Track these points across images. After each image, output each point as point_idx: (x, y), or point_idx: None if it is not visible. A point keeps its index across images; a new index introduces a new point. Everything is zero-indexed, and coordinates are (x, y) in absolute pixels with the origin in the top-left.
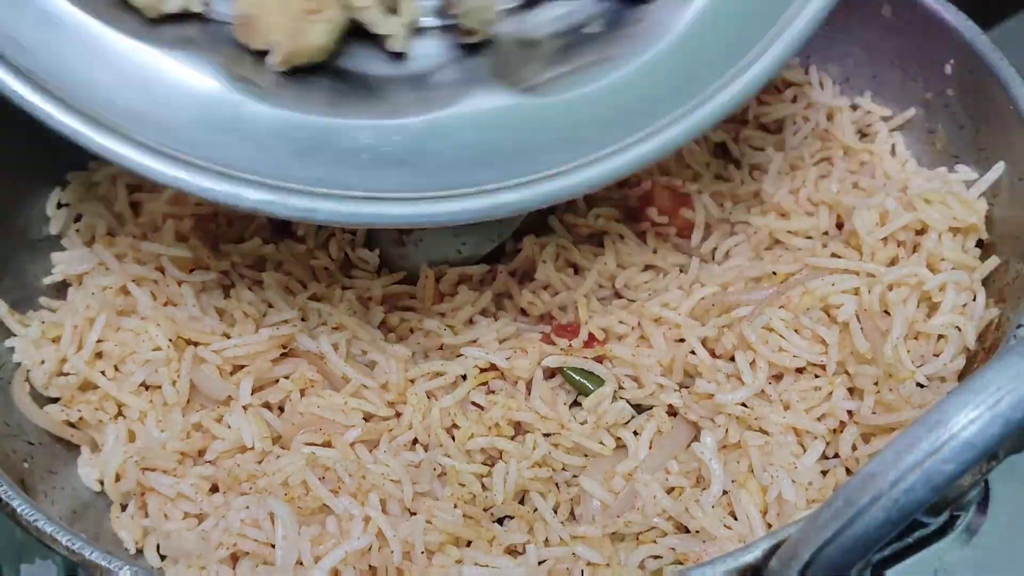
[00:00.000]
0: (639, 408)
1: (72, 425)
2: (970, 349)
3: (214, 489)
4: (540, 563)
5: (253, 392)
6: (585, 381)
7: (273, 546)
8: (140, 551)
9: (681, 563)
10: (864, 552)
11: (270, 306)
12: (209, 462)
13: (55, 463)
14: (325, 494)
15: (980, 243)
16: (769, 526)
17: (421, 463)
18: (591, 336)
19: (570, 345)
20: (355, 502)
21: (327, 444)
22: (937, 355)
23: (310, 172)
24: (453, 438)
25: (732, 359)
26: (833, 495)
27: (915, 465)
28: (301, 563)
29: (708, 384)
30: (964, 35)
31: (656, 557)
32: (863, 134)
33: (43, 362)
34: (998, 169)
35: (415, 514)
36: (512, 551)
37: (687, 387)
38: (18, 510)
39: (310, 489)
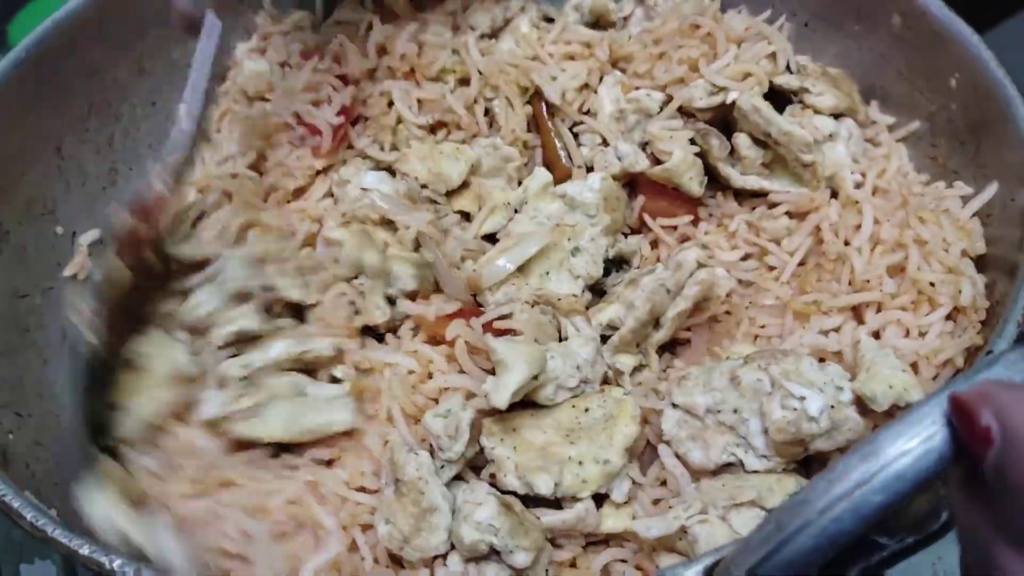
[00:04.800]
0: None
1: None
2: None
3: None
4: None
5: None
6: None
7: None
8: None
9: (641, 569)
10: None
11: None
12: None
13: (41, 435)
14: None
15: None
16: None
17: None
18: None
19: None
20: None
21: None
22: None
23: None
24: None
25: None
26: (766, 518)
27: (844, 495)
28: None
29: None
30: (971, 50)
31: (622, 561)
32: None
33: None
34: (991, 189)
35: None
36: None
37: None
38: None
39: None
